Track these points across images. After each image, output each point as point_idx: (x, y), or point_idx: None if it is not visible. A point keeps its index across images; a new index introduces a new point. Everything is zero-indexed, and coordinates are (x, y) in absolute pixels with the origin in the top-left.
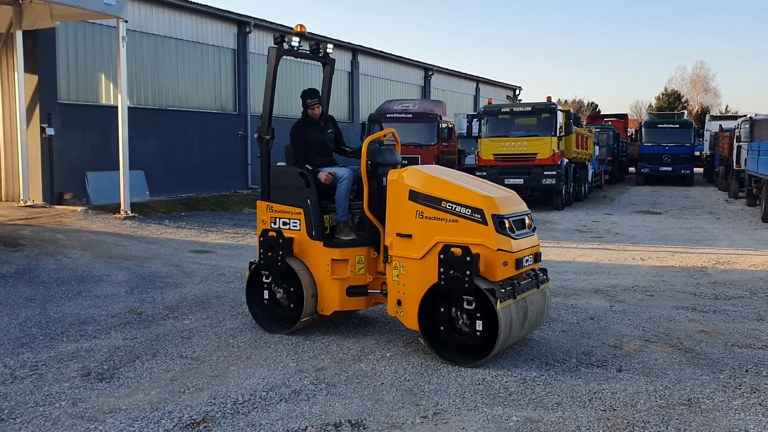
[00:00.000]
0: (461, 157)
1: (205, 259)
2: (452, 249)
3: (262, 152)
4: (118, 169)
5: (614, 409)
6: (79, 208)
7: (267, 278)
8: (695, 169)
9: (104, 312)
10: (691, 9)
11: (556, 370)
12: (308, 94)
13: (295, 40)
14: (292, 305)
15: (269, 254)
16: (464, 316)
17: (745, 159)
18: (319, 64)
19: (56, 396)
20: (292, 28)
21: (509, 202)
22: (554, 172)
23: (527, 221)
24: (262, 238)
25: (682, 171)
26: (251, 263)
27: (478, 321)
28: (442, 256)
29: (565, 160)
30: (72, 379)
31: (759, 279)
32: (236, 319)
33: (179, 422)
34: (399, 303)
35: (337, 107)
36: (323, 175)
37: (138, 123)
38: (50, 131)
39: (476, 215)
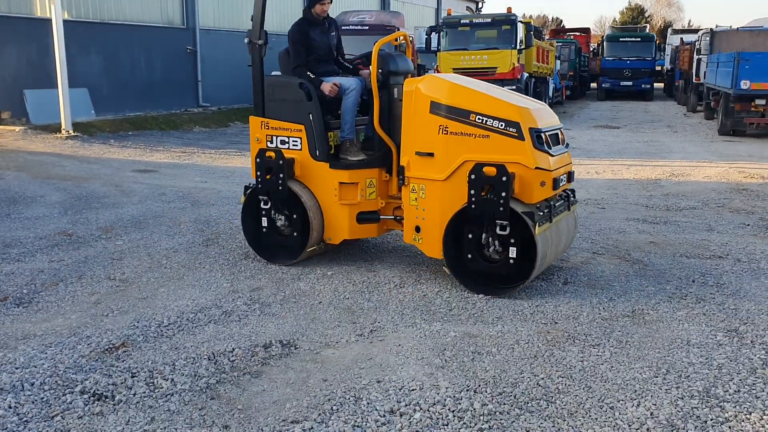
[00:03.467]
0: (421, 71)
1: (148, 178)
2: (485, 168)
3: (254, 60)
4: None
5: (556, 322)
6: (17, 128)
7: (265, 204)
8: (656, 85)
9: (32, 234)
10: None
11: None
12: None
13: None
14: (295, 234)
15: (267, 177)
16: (496, 243)
17: (705, 72)
18: None
19: None
20: None
21: (544, 114)
22: (514, 87)
23: (560, 136)
24: (258, 159)
25: (643, 85)
26: (246, 187)
27: (512, 247)
28: (473, 177)
29: (526, 74)
30: None
31: (711, 190)
32: (172, 239)
33: (97, 347)
34: (417, 229)
35: (289, 18)
36: (327, 86)
37: (78, 38)
38: None
39: (511, 129)
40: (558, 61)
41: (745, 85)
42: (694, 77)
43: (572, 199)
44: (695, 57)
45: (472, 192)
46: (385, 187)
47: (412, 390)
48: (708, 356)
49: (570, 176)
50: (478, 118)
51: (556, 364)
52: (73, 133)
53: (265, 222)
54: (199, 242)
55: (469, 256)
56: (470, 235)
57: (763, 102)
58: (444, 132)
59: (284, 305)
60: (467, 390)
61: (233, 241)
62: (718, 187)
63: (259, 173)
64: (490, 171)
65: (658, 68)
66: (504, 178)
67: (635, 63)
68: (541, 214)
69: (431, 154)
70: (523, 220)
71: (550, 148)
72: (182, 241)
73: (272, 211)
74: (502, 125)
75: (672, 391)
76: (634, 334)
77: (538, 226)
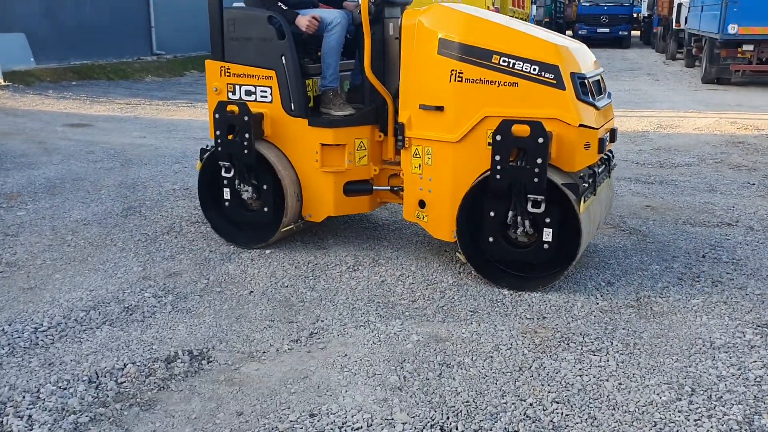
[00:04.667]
0: None
1: (79, 133)
2: (514, 127)
3: None
4: None
5: (544, 317)
6: None
7: (227, 171)
8: (632, 33)
9: None
10: None
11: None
12: None
13: None
14: (266, 209)
15: (229, 137)
16: (526, 223)
17: (686, 17)
18: None
19: None
20: None
21: (584, 55)
22: None
23: (602, 83)
24: (217, 115)
25: (620, 32)
26: (203, 150)
27: (546, 229)
28: (498, 138)
29: None
30: None
31: (705, 143)
32: (87, 208)
33: None
34: (422, 204)
35: None
36: (304, 20)
37: None
38: None
39: (548, 75)
40: (534, 6)
41: (732, 29)
42: (674, 23)
43: (612, 162)
44: (676, 1)
45: (497, 158)
46: (378, 149)
47: (358, 429)
48: (740, 365)
49: (613, 134)
50: (504, 61)
51: (548, 381)
52: (4, 83)
53: (227, 194)
54: (117, 212)
55: (491, 239)
56: (492, 213)
57: (750, 48)
58: (457, 79)
59: (204, 297)
60: (432, 426)
61: (158, 211)
62: (711, 139)
63: (218, 132)
64: (522, 130)
65: (634, 15)
66: (540, 140)
67: (613, 9)
68: (586, 185)
69: (440, 108)
70: (564, 194)
71: (595, 99)
72: (98, 211)
73: (236, 181)
74: (535, 69)
75: (704, 423)
76: (643, 333)
77: (583, 201)
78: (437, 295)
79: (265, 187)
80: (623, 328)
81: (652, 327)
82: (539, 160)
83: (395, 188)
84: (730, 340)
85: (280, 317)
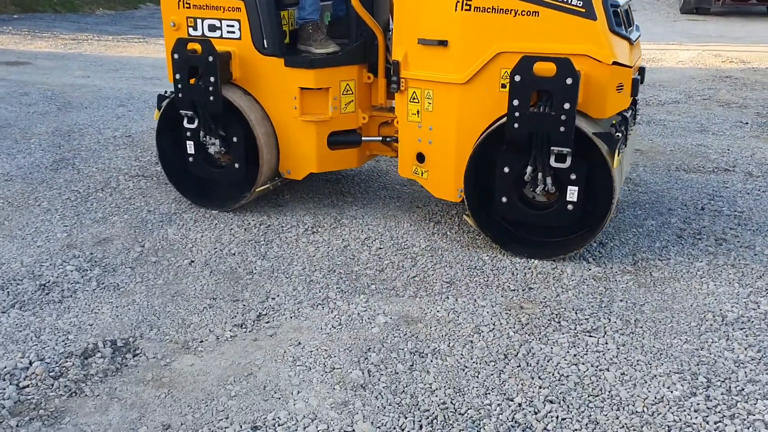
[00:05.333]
0: None
1: (14, 73)
2: (537, 65)
3: None
4: None
5: (530, 288)
6: None
7: (191, 122)
8: None
9: None
10: None
11: (452, 229)
12: None
13: None
14: (237, 165)
15: (192, 81)
16: (548, 180)
17: None
18: None
19: None
20: None
21: None
22: None
23: (630, 13)
24: (176, 55)
25: None
26: (161, 97)
27: (571, 187)
28: (516, 78)
29: None
30: None
31: (691, 78)
32: (12, 161)
33: None
34: (420, 158)
35: None
36: None
37: None
38: None
39: (575, 1)
40: None
41: None
42: None
43: (638, 106)
44: None
45: (515, 102)
46: (368, 93)
47: None
48: (759, 345)
49: (642, 73)
50: None
51: (538, 372)
52: None
53: (191, 148)
54: (46, 164)
55: (504, 199)
56: (507, 169)
57: None
58: (465, 7)
59: (136, 270)
60: None
61: (94, 163)
62: (697, 74)
63: (178, 76)
64: (545, 69)
65: None
66: (569, 80)
67: None
68: (619, 135)
69: (443, 43)
70: (593, 146)
71: (628, 31)
72: (24, 163)
73: (201, 133)
74: None
75: (726, 426)
76: (644, 306)
77: (617, 154)
78: (408, 263)
79: (235, 139)
80: (621, 300)
81: (654, 298)
82: (567, 105)
83: (388, 139)
84: (744, 313)
85: (224, 294)
